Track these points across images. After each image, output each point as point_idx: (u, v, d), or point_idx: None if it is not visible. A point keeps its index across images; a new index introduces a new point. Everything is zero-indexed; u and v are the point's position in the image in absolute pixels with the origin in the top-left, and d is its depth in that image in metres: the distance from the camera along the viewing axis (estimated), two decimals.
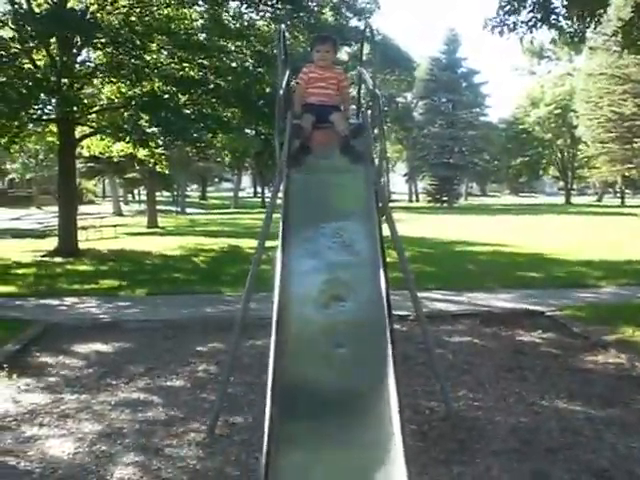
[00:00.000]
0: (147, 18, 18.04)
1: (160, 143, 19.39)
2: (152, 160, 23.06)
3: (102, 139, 21.13)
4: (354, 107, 7.36)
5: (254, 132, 23.53)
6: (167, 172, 24.66)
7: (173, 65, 18.49)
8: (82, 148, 23.45)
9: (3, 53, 16.28)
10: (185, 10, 18.82)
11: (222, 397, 5.88)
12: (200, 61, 18.17)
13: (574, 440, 5.59)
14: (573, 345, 8.68)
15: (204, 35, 19.08)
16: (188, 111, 18.38)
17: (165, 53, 18.34)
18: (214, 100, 18.50)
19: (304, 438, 3.62)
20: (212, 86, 18.29)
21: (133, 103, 18.10)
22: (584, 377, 7.37)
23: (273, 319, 4.35)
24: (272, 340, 4.18)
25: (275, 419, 3.53)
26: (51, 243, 20.37)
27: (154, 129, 18.20)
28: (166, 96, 18.00)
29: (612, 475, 4.95)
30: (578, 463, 5.14)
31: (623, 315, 9.96)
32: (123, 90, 19.09)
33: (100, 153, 24.00)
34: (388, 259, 4.98)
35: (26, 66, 17.65)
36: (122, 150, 22.19)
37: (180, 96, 18.28)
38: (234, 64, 19.20)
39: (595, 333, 9.01)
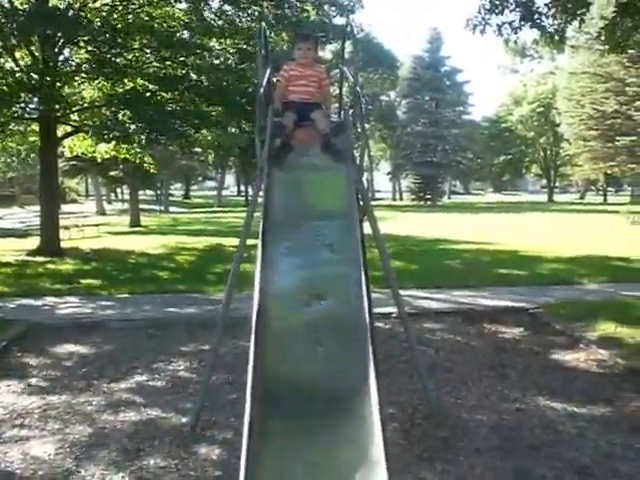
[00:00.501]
0: (129, 16, 17.92)
1: (143, 141, 19.25)
2: (136, 159, 22.99)
3: (84, 139, 21.03)
4: (336, 105, 7.36)
5: (238, 130, 23.49)
6: (150, 171, 24.56)
7: (155, 63, 18.39)
8: (65, 148, 23.35)
9: None
10: (167, 8, 18.70)
11: (203, 396, 5.87)
12: (182, 59, 18.07)
13: (556, 437, 5.61)
14: (555, 342, 8.71)
15: (186, 33, 19.02)
16: (170, 108, 18.28)
17: (148, 51, 18.21)
18: (196, 98, 18.41)
19: (284, 436, 3.60)
20: (194, 83, 18.20)
21: (115, 101, 17.99)
22: (566, 374, 7.40)
23: (253, 318, 4.33)
24: (252, 339, 4.16)
25: (255, 417, 3.51)
26: (33, 242, 20.24)
27: (137, 125, 18.05)
28: (148, 94, 17.90)
29: (594, 472, 4.97)
30: (561, 460, 5.15)
31: (605, 312, 10.00)
32: (105, 90, 18.97)
33: (82, 154, 23.88)
34: (371, 257, 4.99)
35: (7, 65, 17.54)
36: (105, 152, 22.18)
37: (162, 94, 18.18)
38: (216, 61, 19.13)
39: (577, 330, 9.04)
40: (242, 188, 75.17)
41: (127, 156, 22.57)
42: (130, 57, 17.93)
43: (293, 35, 6.85)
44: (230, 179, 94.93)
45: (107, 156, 22.97)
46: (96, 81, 18.71)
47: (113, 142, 19.71)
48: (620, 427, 5.81)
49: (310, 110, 6.01)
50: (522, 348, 8.49)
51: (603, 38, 12.42)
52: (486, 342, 8.79)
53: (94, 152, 22.65)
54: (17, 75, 16.73)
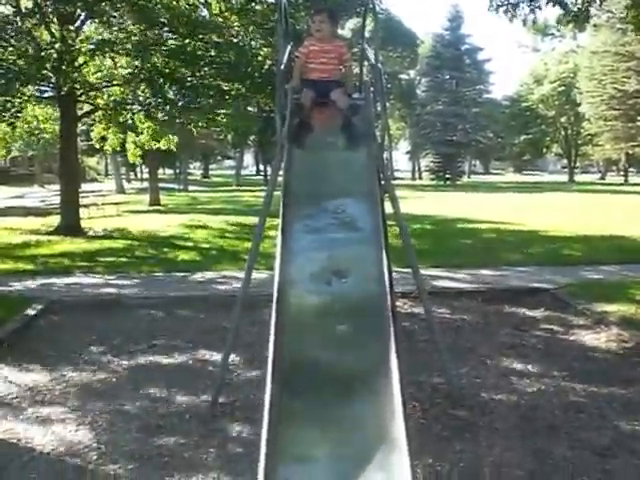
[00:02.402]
0: None
1: (165, 116, 19.31)
2: (169, 145, 23.15)
3: (113, 126, 21.18)
4: (356, 83, 7.29)
5: (256, 108, 23.45)
6: (171, 149, 24.70)
7: (175, 41, 18.32)
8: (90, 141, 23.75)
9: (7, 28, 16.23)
10: None
11: (224, 374, 5.88)
12: (201, 36, 18.00)
13: (576, 418, 5.58)
14: (575, 323, 8.66)
15: (205, 12, 18.99)
16: (189, 84, 18.27)
17: (167, 29, 18.13)
18: (216, 75, 18.37)
19: (304, 415, 3.60)
20: (213, 59, 18.13)
21: (136, 79, 17.99)
22: (586, 354, 7.36)
23: (274, 296, 4.32)
24: (273, 317, 4.16)
25: (275, 396, 3.51)
26: (53, 221, 20.34)
27: (157, 101, 18.09)
28: (167, 70, 17.87)
29: (614, 453, 4.94)
30: (580, 441, 5.13)
31: (626, 293, 9.94)
32: (124, 66, 18.96)
33: (113, 149, 24.19)
34: (391, 236, 4.96)
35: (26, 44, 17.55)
36: (134, 145, 22.47)
37: (182, 70, 18.14)
38: (235, 39, 19.02)
39: (598, 311, 8.98)
40: (261, 167, 75.12)
41: (160, 146, 22.77)
42: (150, 34, 17.86)
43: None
44: (249, 158, 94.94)
45: (136, 150, 23.29)
46: (116, 60, 18.72)
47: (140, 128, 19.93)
48: None
49: (329, 89, 5.92)
50: (542, 328, 8.45)
51: (628, 17, 12.24)
52: (506, 322, 8.76)
53: (124, 147, 22.96)
54: (36, 54, 16.71)
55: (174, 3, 17.93)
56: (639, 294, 9.85)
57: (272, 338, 3.99)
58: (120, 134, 22.53)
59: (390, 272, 4.57)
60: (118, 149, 24.71)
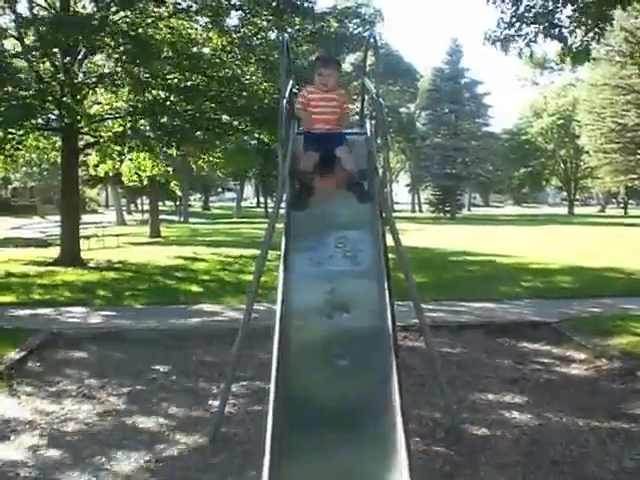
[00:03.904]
0: (149, 30, 18.05)
1: (164, 148, 19.43)
2: (160, 176, 23.30)
3: (108, 157, 21.25)
4: (357, 118, 7.34)
5: (257, 141, 23.57)
6: (173, 187, 24.93)
7: (176, 75, 18.48)
8: (88, 168, 23.79)
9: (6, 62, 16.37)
10: (185, 23, 18.85)
11: (223, 407, 5.84)
12: (203, 70, 18.16)
13: (579, 453, 5.54)
14: (577, 356, 8.63)
15: (207, 48, 19.22)
16: (189, 117, 18.39)
17: (169, 62, 18.28)
18: (217, 109, 18.52)
19: (306, 451, 3.57)
20: (215, 94, 18.27)
21: (136, 111, 18.11)
22: (588, 388, 7.33)
23: (275, 329, 4.31)
24: (274, 350, 4.14)
25: (276, 430, 3.49)
26: (53, 252, 20.35)
27: (156, 133, 18.21)
28: (168, 103, 18.01)
29: None
30: (583, 476, 5.09)
31: (627, 326, 9.92)
32: (125, 99, 19.09)
33: (106, 173, 24.27)
34: (392, 269, 4.96)
35: (28, 76, 17.68)
36: (129, 171, 22.63)
37: (183, 104, 18.28)
38: (237, 73, 19.18)
39: (599, 344, 8.95)
40: (262, 200, 75.31)
41: (151, 174, 22.90)
42: (151, 69, 18.02)
43: (315, 50, 6.46)
44: (250, 190, 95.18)
45: (132, 176, 23.41)
46: (118, 93, 18.86)
47: (133, 156, 20.04)
48: None
49: (333, 143, 5.60)
50: (543, 362, 8.42)
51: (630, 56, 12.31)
52: (507, 356, 8.73)
53: (117, 170, 23.10)
54: (39, 86, 16.84)
55: (176, 38, 18.11)
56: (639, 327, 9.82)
57: (273, 373, 3.97)
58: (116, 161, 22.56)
59: (392, 305, 4.57)
60: (111, 174, 24.80)
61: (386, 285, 4.70)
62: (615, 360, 8.20)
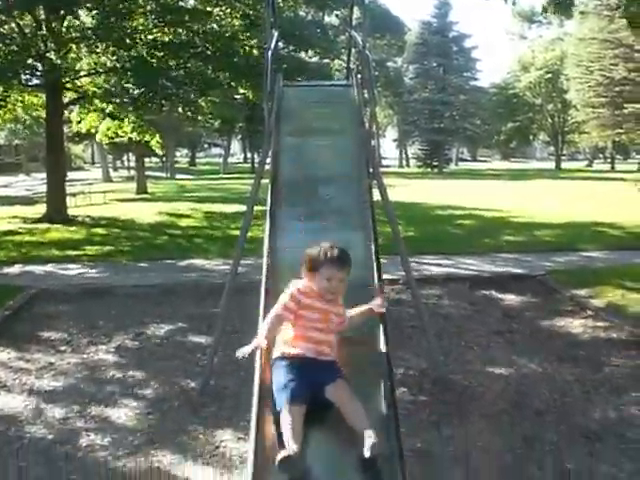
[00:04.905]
0: None
1: (150, 106, 19.22)
2: (140, 137, 23.03)
3: (91, 110, 20.98)
4: (345, 70, 7.28)
5: (242, 96, 23.36)
6: (155, 149, 24.68)
7: (160, 30, 18.22)
8: (71, 123, 23.48)
9: None
10: None
11: (212, 359, 5.90)
12: (188, 25, 17.92)
13: (563, 402, 5.64)
14: (562, 309, 8.71)
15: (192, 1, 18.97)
16: (175, 74, 18.19)
17: (152, 17, 18.00)
18: (201, 63, 18.32)
19: None
20: (199, 49, 18.06)
21: (120, 67, 17.90)
22: (573, 340, 7.42)
23: (262, 282, 4.34)
24: (261, 302, 4.17)
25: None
26: (40, 210, 20.24)
27: (141, 91, 18.01)
28: (153, 60, 17.78)
29: (602, 437, 4.99)
30: (568, 425, 5.18)
31: (612, 279, 10.00)
32: (110, 56, 18.83)
33: (88, 131, 23.98)
34: (378, 223, 4.98)
35: (11, 31, 17.42)
36: (108, 129, 22.37)
37: (168, 61, 18.06)
38: (222, 28, 18.95)
39: (584, 297, 9.04)
40: (248, 155, 74.86)
41: (130, 135, 22.67)
42: (135, 24, 17.76)
43: (323, 253, 2.93)
44: (236, 146, 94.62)
45: (110, 134, 23.14)
46: (102, 48, 18.60)
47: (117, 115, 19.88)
48: (628, 393, 5.83)
49: (323, 377, 3.38)
50: (529, 314, 8.50)
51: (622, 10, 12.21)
52: (493, 308, 8.81)
53: (97, 131, 22.87)
54: (22, 41, 16.60)
55: None
56: (625, 280, 9.90)
57: (260, 324, 3.99)
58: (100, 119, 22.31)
59: (378, 259, 4.59)
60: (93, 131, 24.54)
61: (372, 237, 4.72)
62: (600, 312, 8.30)
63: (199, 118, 21.87)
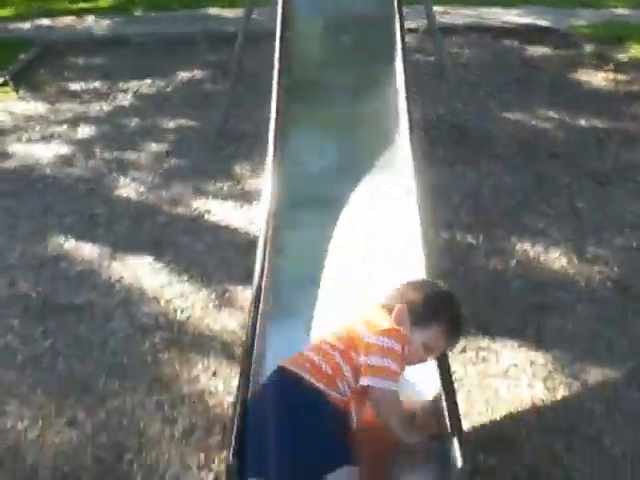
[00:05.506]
0: None
1: None
2: None
3: None
4: None
5: None
6: None
7: None
8: None
9: None
10: None
11: (229, 105, 5.90)
12: None
13: (578, 148, 5.69)
14: (585, 62, 8.47)
15: None
16: None
17: None
18: None
19: (308, 121, 3.62)
20: None
21: None
22: (593, 91, 7.32)
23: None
24: (277, 42, 4.09)
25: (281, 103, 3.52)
26: None
27: None
28: None
29: (611, 179, 5.09)
30: (580, 169, 5.25)
31: (638, 35, 9.66)
32: None
33: None
34: None
35: None
36: None
37: None
38: None
39: (609, 51, 8.78)
40: None
41: None
42: None
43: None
44: None
45: None
46: None
47: None
48: None
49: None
50: (550, 66, 8.26)
51: None
52: (514, 58, 8.57)
53: None
54: None
55: None
56: None
57: (276, 65, 3.95)
58: None
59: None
60: None
61: None
62: (623, 66, 8.11)
63: None
